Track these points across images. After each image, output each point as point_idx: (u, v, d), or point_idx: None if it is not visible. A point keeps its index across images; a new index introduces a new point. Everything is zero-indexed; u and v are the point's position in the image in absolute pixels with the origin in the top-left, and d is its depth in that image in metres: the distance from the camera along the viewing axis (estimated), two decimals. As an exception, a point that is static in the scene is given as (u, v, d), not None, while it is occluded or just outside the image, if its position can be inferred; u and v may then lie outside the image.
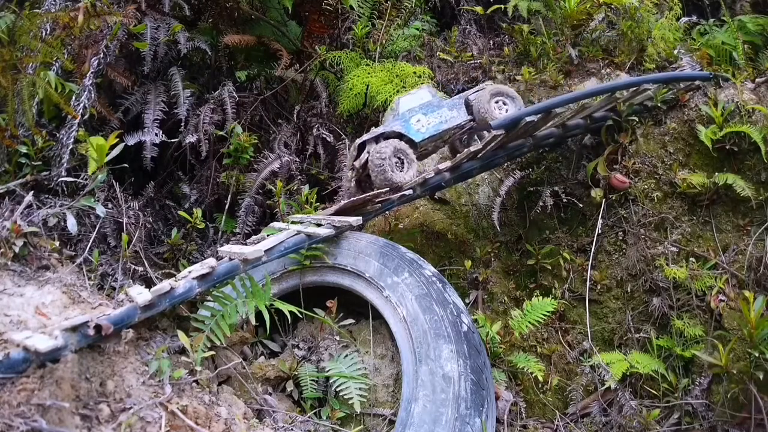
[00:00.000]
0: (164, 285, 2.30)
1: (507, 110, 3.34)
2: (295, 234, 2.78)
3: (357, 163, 3.30)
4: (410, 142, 3.31)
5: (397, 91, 3.80)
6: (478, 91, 3.49)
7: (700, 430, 2.60)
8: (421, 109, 3.40)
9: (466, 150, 3.14)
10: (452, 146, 3.70)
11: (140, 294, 2.28)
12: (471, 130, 3.55)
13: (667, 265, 2.94)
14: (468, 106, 3.44)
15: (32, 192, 3.01)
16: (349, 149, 3.96)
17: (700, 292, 2.84)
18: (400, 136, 3.30)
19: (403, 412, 2.38)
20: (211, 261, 2.48)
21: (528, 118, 2.92)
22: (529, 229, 3.58)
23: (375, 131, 3.35)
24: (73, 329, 2.00)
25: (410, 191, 3.09)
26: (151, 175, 3.75)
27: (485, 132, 3.62)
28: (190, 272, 2.44)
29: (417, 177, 3.19)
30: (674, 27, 3.92)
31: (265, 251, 2.58)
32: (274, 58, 4.05)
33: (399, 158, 3.21)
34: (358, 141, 3.35)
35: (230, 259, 2.59)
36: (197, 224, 3.39)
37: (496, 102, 3.36)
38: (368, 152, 3.25)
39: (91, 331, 2.04)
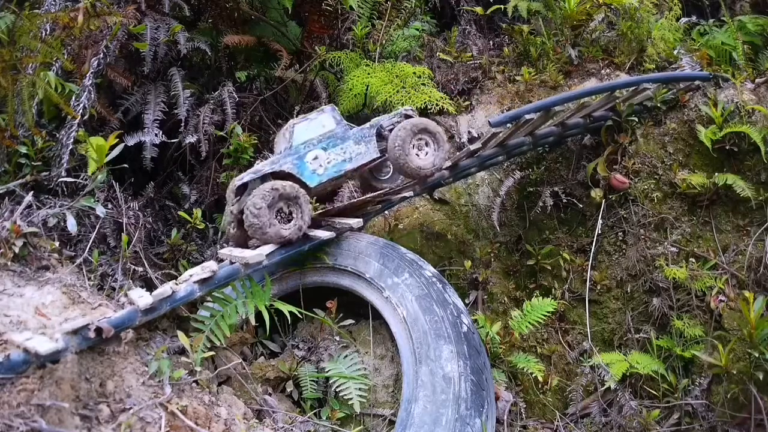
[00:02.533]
0: (165, 289, 2.30)
1: (427, 153, 2.91)
2: (295, 235, 2.78)
3: (235, 209, 2.79)
4: (303, 185, 2.80)
5: (397, 91, 3.78)
6: (396, 118, 3.05)
7: (700, 431, 2.60)
8: (320, 143, 2.85)
9: (466, 149, 3.13)
10: (362, 177, 3.25)
11: (141, 297, 2.28)
12: (382, 158, 3.08)
13: (667, 265, 2.94)
14: (381, 136, 3.00)
15: (32, 192, 3.01)
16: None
17: (700, 292, 2.85)
18: (290, 177, 2.78)
19: (403, 412, 2.38)
20: (213, 265, 2.48)
21: (527, 116, 2.92)
22: (528, 230, 3.58)
23: (260, 169, 2.77)
24: (73, 332, 2.00)
25: (410, 192, 3.09)
26: (151, 176, 3.74)
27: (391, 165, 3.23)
28: (191, 276, 2.44)
29: (306, 228, 2.69)
30: (674, 27, 3.93)
31: (266, 255, 2.58)
32: (274, 59, 4.05)
33: (286, 208, 2.67)
34: (238, 182, 2.75)
35: (231, 263, 2.59)
36: (197, 225, 3.39)
37: (418, 140, 2.90)
38: (250, 194, 2.68)
39: (92, 334, 2.04)
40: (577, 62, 3.92)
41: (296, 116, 4.10)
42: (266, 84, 4.22)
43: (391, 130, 3.00)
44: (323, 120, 2.90)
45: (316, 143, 2.85)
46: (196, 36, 3.89)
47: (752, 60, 3.65)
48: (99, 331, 2.06)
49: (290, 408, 2.79)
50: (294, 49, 4.23)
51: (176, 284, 2.40)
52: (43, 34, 3.33)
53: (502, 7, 4.31)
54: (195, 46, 3.81)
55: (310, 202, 2.76)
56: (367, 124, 3.01)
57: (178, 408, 2.11)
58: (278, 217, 2.65)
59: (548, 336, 3.22)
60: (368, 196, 3.10)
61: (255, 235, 2.62)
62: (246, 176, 2.74)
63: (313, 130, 2.87)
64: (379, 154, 2.97)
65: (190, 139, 3.61)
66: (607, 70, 3.87)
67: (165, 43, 3.66)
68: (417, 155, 2.89)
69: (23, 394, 1.82)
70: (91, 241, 3.07)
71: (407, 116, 3.10)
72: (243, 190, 2.75)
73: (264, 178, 2.73)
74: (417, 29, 4.41)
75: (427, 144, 2.93)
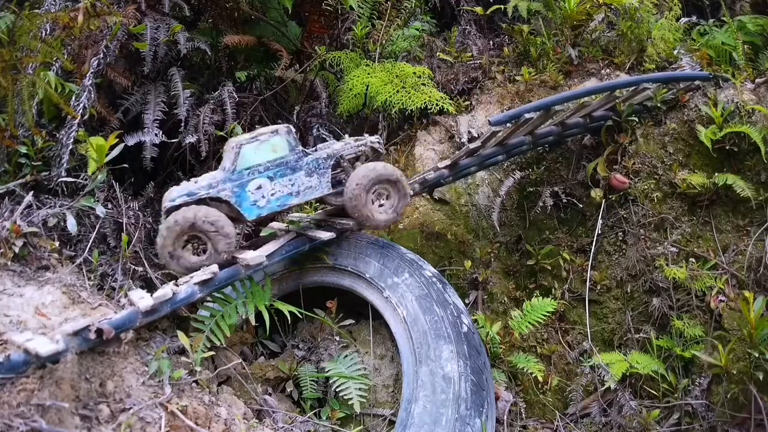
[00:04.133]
0: (166, 291, 2.30)
1: (384, 204, 2.72)
2: (296, 237, 2.78)
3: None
4: (240, 215, 2.59)
5: (397, 91, 3.78)
6: (360, 147, 2.79)
7: (699, 431, 2.60)
8: (268, 170, 2.57)
9: (465, 147, 3.12)
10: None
11: (142, 299, 2.28)
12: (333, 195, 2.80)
13: (667, 265, 2.94)
14: (339, 166, 2.77)
15: (32, 192, 3.01)
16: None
17: (700, 292, 2.85)
18: (227, 204, 2.56)
19: (403, 412, 2.39)
20: (213, 266, 2.48)
21: (527, 115, 2.92)
22: (528, 230, 3.58)
23: (194, 191, 2.50)
24: (74, 333, 2.00)
25: (410, 191, 3.08)
26: (151, 176, 3.74)
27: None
28: (191, 277, 2.44)
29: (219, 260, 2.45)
30: (674, 27, 3.92)
31: (267, 256, 2.58)
32: (274, 59, 4.05)
33: (200, 240, 2.48)
34: (169, 203, 2.49)
35: (231, 264, 2.59)
36: (197, 224, 3.39)
37: (378, 190, 2.70)
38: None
39: (92, 335, 2.04)
40: (577, 62, 3.92)
41: (296, 116, 4.13)
42: (266, 84, 4.22)
43: (351, 161, 2.78)
44: (275, 143, 2.61)
45: (262, 170, 2.58)
46: (196, 36, 3.89)
47: (752, 60, 3.65)
48: (99, 332, 2.06)
49: (290, 408, 2.79)
50: (294, 49, 4.23)
51: (177, 286, 2.40)
52: (43, 34, 3.33)
53: (502, 7, 4.31)
54: (195, 46, 3.80)
55: (239, 233, 2.53)
56: (325, 153, 2.72)
57: (178, 408, 2.11)
58: (190, 248, 2.49)
59: (548, 336, 3.22)
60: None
61: (163, 261, 2.49)
62: (179, 198, 2.49)
63: (262, 154, 2.58)
64: (331, 190, 2.72)
65: (190, 139, 3.61)
66: (607, 70, 3.86)
67: (165, 43, 3.65)
68: (375, 206, 2.70)
69: (23, 394, 1.82)
70: (91, 241, 3.07)
71: (374, 150, 2.86)
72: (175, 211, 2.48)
73: (199, 203, 2.51)
74: (417, 29, 4.40)
75: (387, 193, 2.73)
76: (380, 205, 2.73)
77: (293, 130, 2.69)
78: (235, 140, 2.62)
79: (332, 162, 2.72)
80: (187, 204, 2.48)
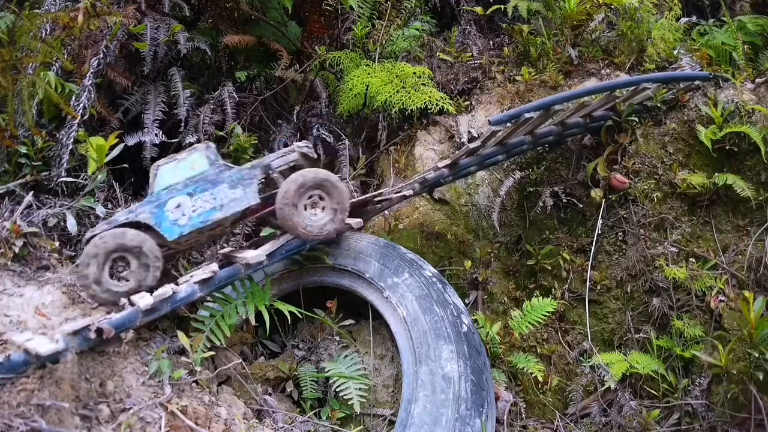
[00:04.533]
0: (166, 290, 2.30)
1: (317, 213, 2.60)
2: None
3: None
4: (161, 237, 2.50)
5: (397, 91, 3.78)
6: (290, 156, 2.70)
7: (699, 431, 2.60)
8: (186, 187, 2.51)
9: (465, 147, 3.12)
10: (259, 218, 2.81)
11: (142, 298, 2.28)
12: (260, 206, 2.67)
13: (667, 265, 2.94)
14: (269, 179, 2.69)
15: (32, 192, 3.01)
16: (347, 150, 3.93)
17: (700, 292, 2.85)
18: (148, 228, 2.49)
19: (403, 412, 2.39)
20: (213, 266, 2.48)
21: (527, 115, 2.91)
22: (528, 230, 3.58)
23: (115, 219, 2.49)
24: (74, 333, 2.00)
25: (410, 192, 3.09)
26: (151, 176, 3.75)
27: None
28: (191, 276, 2.45)
29: (162, 291, 2.31)
30: (674, 27, 3.92)
31: (267, 255, 2.58)
32: (274, 59, 4.05)
33: (124, 262, 2.41)
34: (89, 234, 2.50)
35: (231, 263, 2.59)
36: (197, 225, 3.39)
37: (311, 196, 2.59)
38: None
39: (92, 335, 2.04)
40: (577, 62, 3.92)
41: (296, 116, 4.13)
42: (266, 84, 4.22)
43: (282, 172, 2.69)
44: (194, 160, 2.56)
45: (181, 188, 2.52)
46: (196, 36, 3.89)
47: (752, 60, 3.65)
48: (99, 331, 2.06)
49: (290, 408, 2.79)
50: (294, 49, 4.23)
51: (177, 285, 2.40)
52: (43, 34, 3.33)
53: (502, 7, 4.31)
54: (195, 46, 3.81)
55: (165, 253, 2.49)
56: (249, 164, 2.65)
57: (178, 408, 2.11)
58: (122, 270, 2.42)
59: (548, 336, 3.22)
60: (367, 195, 3.10)
61: (85, 292, 2.42)
62: (98, 227, 2.48)
63: (180, 173, 2.54)
64: (258, 201, 2.59)
65: (190, 139, 3.61)
66: (607, 70, 3.86)
67: (165, 43, 3.66)
68: (311, 210, 2.60)
69: (23, 394, 1.83)
70: (91, 241, 3.07)
71: (304, 155, 2.75)
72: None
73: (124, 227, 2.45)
74: (417, 29, 4.40)
75: (321, 200, 2.61)
76: (314, 214, 2.62)
77: (213, 145, 2.64)
78: (155, 163, 2.60)
79: (258, 172, 2.64)
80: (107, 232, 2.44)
